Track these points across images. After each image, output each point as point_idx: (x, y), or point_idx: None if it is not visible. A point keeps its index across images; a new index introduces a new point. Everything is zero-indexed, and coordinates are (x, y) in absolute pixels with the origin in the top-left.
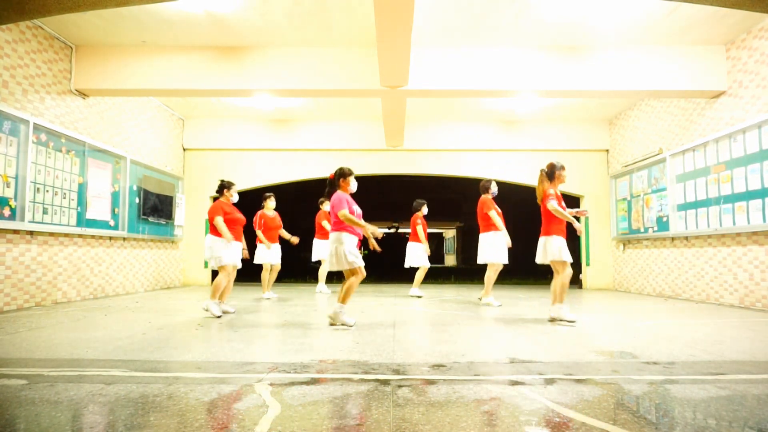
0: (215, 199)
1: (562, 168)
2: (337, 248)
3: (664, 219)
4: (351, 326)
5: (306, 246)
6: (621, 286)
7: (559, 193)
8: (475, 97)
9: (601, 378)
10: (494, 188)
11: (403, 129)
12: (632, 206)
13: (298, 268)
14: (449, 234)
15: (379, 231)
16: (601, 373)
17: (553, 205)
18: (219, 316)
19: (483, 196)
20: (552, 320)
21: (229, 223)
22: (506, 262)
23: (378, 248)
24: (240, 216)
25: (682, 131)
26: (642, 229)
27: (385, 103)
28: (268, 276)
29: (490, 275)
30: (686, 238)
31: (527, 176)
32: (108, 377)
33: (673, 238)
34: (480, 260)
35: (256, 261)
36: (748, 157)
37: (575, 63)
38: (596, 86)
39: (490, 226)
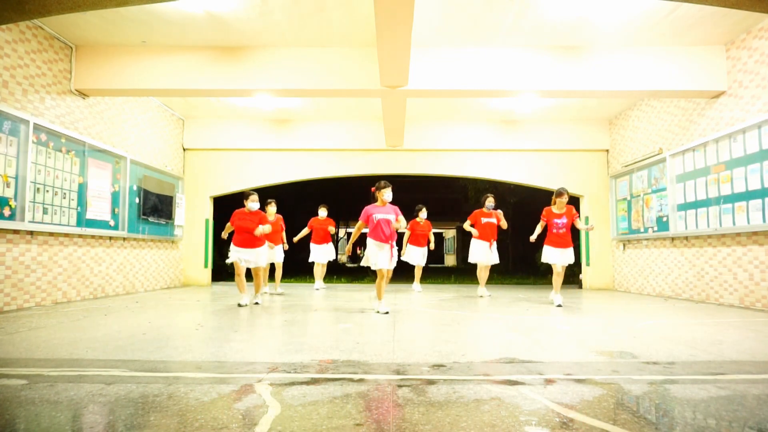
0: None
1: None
2: (366, 251)
3: (664, 219)
4: (386, 313)
5: (304, 247)
6: (621, 286)
7: None
8: (475, 97)
9: (601, 378)
10: None
11: (403, 129)
12: (632, 206)
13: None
14: (449, 234)
15: (348, 248)
16: (601, 373)
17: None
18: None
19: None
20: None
21: (238, 230)
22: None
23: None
24: (251, 225)
25: (682, 131)
26: (642, 229)
27: (385, 103)
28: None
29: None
30: (686, 238)
31: (527, 176)
32: (108, 377)
33: (673, 238)
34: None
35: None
36: (748, 157)
37: (575, 63)
38: (596, 86)
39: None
